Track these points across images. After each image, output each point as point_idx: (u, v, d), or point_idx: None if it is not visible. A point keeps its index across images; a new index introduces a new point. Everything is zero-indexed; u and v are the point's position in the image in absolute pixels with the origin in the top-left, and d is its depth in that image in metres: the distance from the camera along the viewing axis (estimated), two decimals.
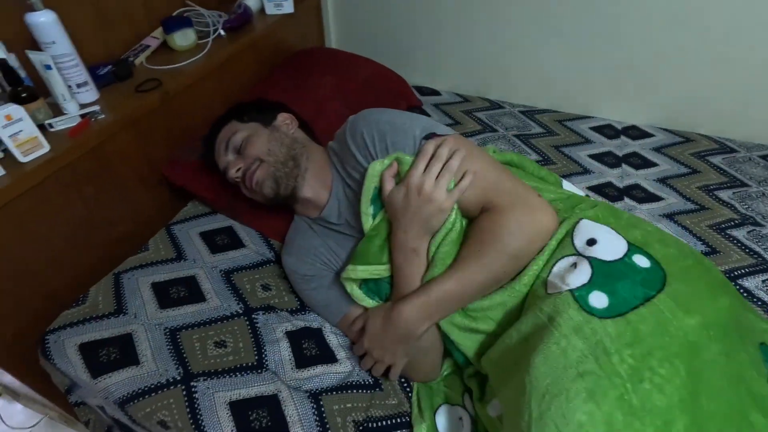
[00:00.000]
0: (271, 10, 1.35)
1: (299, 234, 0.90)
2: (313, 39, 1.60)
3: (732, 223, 1.04)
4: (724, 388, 0.56)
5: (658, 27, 1.25)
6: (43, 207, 0.83)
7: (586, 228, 0.68)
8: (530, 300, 0.65)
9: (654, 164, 1.23)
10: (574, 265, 0.63)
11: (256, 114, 0.91)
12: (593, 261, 0.62)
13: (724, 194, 1.13)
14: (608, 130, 1.37)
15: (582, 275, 0.61)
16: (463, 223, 0.74)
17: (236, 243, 1.00)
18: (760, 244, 0.99)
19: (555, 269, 0.64)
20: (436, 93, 1.56)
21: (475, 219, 0.71)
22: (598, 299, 0.58)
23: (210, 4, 1.25)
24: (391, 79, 1.42)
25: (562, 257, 0.65)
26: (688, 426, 0.50)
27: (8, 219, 0.78)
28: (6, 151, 0.77)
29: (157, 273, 0.91)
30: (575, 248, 0.66)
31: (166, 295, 0.87)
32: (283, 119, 0.91)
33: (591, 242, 0.65)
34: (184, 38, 1.14)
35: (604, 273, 0.61)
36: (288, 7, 1.35)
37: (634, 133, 1.36)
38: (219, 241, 1.00)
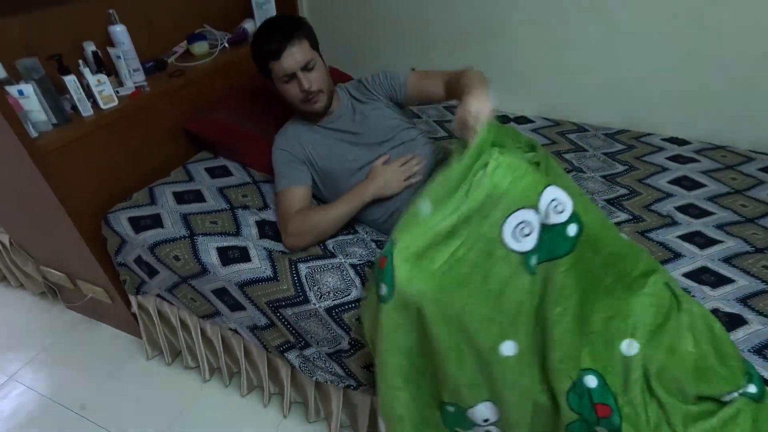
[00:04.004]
0: None
1: (295, 126, 1.32)
2: None
3: (565, 171, 1.53)
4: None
5: (540, 38, 1.77)
6: (111, 139, 1.36)
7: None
8: None
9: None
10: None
11: (317, 45, 1.24)
12: None
13: (568, 156, 1.62)
14: (501, 120, 1.88)
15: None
16: None
17: (227, 173, 1.51)
18: (578, 183, 1.48)
19: None
20: None
21: None
22: None
23: (219, 26, 1.82)
24: (342, 77, 1.95)
25: None
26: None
27: (92, 143, 1.30)
28: (94, 101, 1.31)
29: (176, 187, 1.42)
30: None
31: (182, 198, 1.37)
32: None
33: None
34: (200, 47, 1.69)
35: None
36: None
37: (522, 120, 1.87)
38: (217, 172, 1.51)
